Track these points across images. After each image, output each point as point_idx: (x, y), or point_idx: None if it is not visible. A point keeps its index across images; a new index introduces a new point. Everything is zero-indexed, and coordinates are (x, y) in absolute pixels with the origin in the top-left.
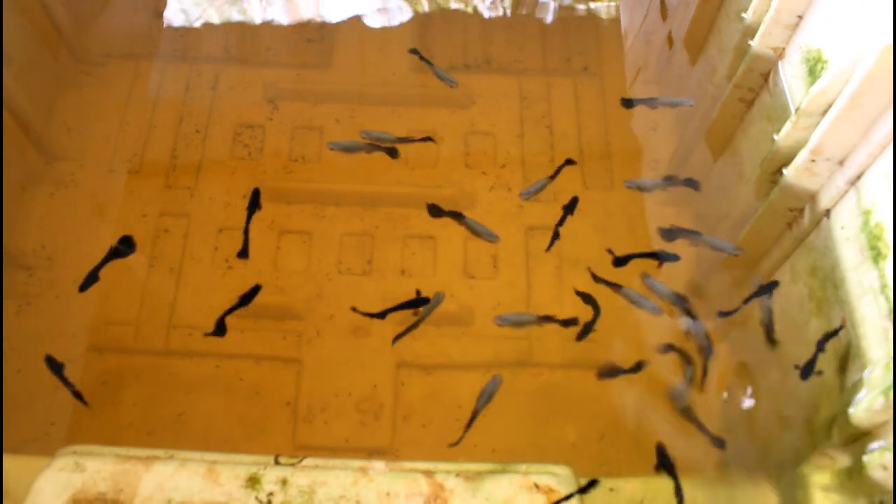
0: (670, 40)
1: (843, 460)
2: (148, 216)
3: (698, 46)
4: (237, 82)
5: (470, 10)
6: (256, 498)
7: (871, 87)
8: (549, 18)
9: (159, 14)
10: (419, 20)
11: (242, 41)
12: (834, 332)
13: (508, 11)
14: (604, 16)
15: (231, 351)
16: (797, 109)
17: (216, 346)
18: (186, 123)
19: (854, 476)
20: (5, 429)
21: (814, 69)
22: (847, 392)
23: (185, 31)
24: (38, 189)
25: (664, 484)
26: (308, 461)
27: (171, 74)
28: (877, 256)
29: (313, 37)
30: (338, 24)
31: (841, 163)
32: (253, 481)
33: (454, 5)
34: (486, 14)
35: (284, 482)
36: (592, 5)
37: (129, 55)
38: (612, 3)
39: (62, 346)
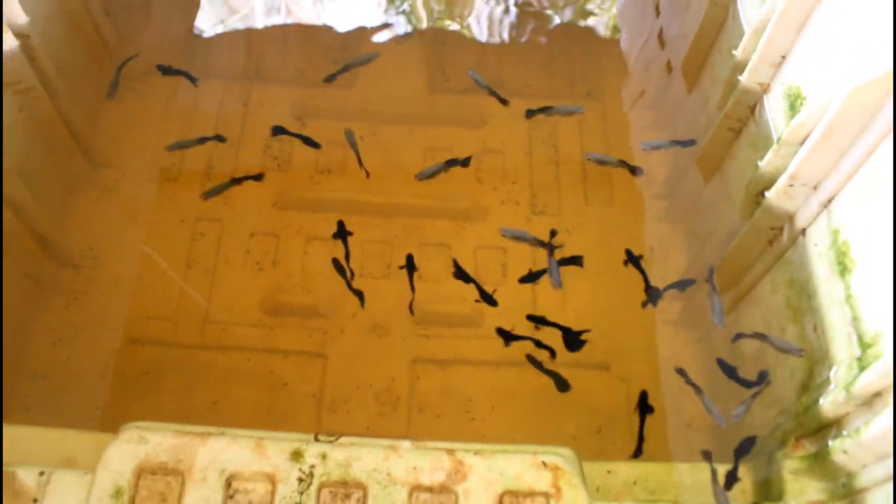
0: (669, 69)
1: (811, 448)
2: (185, 221)
3: (693, 78)
4: (267, 99)
5: (483, 36)
6: (300, 469)
7: (840, 124)
8: (555, 46)
9: (196, 34)
10: (436, 47)
11: (272, 62)
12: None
13: (518, 38)
14: (606, 44)
15: (261, 346)
16: (779, 139)
17: (248, 340)
18: None
19: (820, 461)
20: (56, 412)
21: (794, 104)
22: (815, 389)
23: (220, 52)
24: (85, 193)
25: (656, 468)
26: (344, 439)
27: (205, 91)
28: (843, 271)
29: (338, 58)
30: (362, 48)
31: (815, 188)
32: (296, 455)
33: (469, 32)
34: (498, 40)
35: (324, 456)
36: (595, 32)
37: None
38: (616, 34)
39: (106, 339)
